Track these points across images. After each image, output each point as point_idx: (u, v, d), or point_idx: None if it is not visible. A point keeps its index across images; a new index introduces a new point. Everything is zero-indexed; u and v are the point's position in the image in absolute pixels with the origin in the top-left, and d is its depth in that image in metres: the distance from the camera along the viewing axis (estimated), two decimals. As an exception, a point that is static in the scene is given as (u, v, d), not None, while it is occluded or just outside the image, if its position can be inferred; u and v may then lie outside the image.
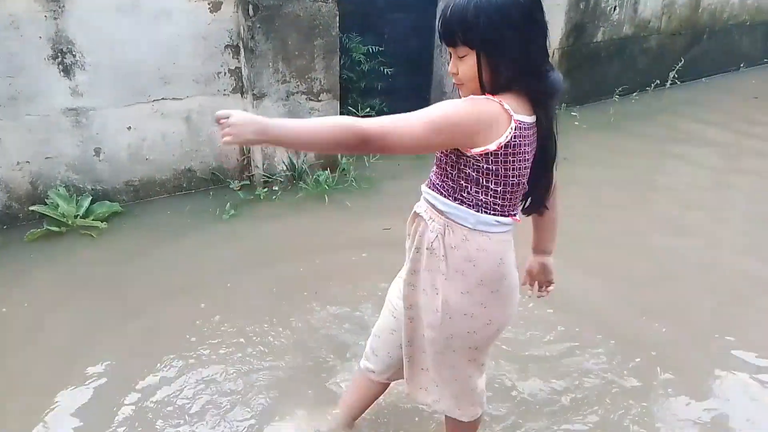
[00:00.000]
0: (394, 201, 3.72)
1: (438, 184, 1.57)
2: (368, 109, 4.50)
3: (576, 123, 5.42)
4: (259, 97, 3.83)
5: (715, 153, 4.95)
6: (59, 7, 3.27)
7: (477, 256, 1.55)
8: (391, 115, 1.42)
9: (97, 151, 3.66)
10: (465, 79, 1.48)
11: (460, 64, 1.48)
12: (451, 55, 1.50)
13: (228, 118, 1.37)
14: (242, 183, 4.03)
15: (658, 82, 6.33)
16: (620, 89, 6.03)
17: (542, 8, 1.46)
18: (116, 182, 3.78)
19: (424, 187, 1.64)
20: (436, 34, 4.96)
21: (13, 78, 3.30)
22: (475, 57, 1.44)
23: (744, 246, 3.56)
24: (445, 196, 1.55)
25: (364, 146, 1.39)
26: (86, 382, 2.40)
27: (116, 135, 3.68)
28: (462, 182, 1.51)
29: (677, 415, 2.32)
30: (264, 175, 4.02)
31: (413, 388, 1.84)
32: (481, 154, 1.45)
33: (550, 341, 2.68)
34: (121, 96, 3.60)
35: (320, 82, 4.01)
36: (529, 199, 1.65)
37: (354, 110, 4.46)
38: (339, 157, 4.27)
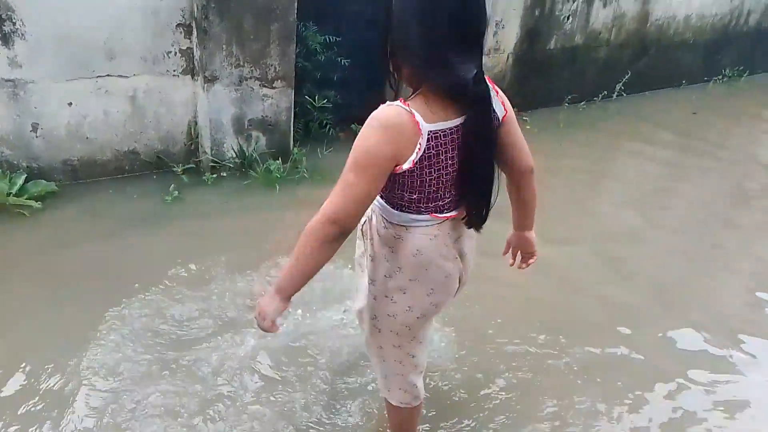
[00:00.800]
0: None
1: None
2: (324, 100, 4.43)
3: (527, 127, 5.50)
4: (210, 80, 3.70)
5: (655, 162, 5.10)
6: (-1, -30, 3.08)
7: (395, 243, 1.59)
8: (334, 190, 1.42)
9: (35, 127, 3.46)
10: None
11: None
12: None
13: (257, 316, 1.50)
14: (186, 167, 3.89)
15: (605, 92, 6.49)
16: (570, 97, 6.15)
17: None
18: (53, 161, 3.58)
19: None
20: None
21: (-56, 42, 3.09)
22: (384, 36, 1.43)
23: (677, 250, 3.67)
24: None
25: (342, 230, 1.42)
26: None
27: (56, 110, 3.48)
28: (386, 188, 1.51)
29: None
30: (212, 161, 3.89)
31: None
32: (399, 173, 1.44)
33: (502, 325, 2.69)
34: (63, 69, 3.41)
35: (275, 68, 3.91)
36: (466, 208, 1.59)
37: (310, 99, 4.38)
38: (290, 146, 4.19)
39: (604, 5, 6.13)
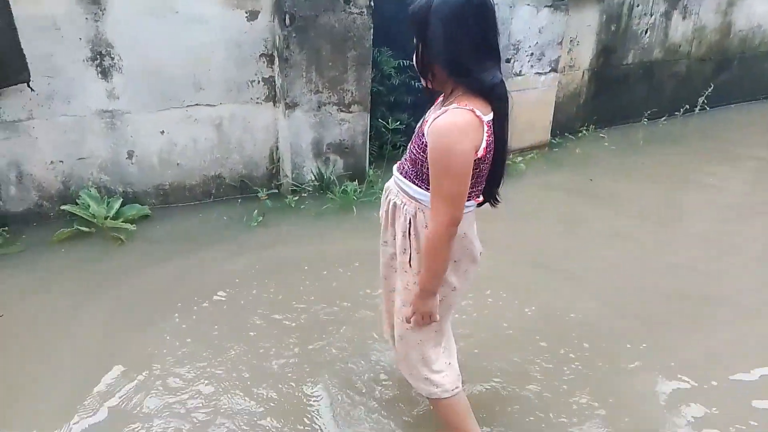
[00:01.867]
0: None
1: (412, 174, 1.71)
2: (397, 123, 4.49)
3: (605, 144, 5.39)
4: (291, 106, 3.84)
5: (740, 182, 4.84)
6: (100, 10, 3.32)
7: None
8: (434, 203, 1.60)
9: (130, 154, 3.69)
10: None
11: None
12: None
13: (412, 317, 1.78)
14: (269, 191, 4.03)
15: (687, 107, 6.28)
16: (649, 112, 5.99)
17: (479, 12, 1.52)
18: (147, 186, 3.80)
19: (396, 173, 1.80)
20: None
21: (51, 78, 3.34)
22: (420, 47, 1.60)
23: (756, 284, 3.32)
24: (417, 185, 1.70)
25: (454, 231, 1.62)
26: (102, 387, 2.38)
27: (149, 139, 3.70)
28: (423, 169, 1.66)
29: None
30: (292, 184, 4.02)
31: (400, 365, 2.02)
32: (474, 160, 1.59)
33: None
34: (156, 100, 3.63)
35: (352, 93, 4.02)
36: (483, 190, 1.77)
37: (384, 122, 4.46)
38: (366, 168, 4.27)
39: (684, 18, 5.96)
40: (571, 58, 5.28)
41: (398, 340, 1.94)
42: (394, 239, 1.84)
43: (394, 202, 1.78)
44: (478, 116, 1.53)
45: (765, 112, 6.76)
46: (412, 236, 1.75)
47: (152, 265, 3.22)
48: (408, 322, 1.81)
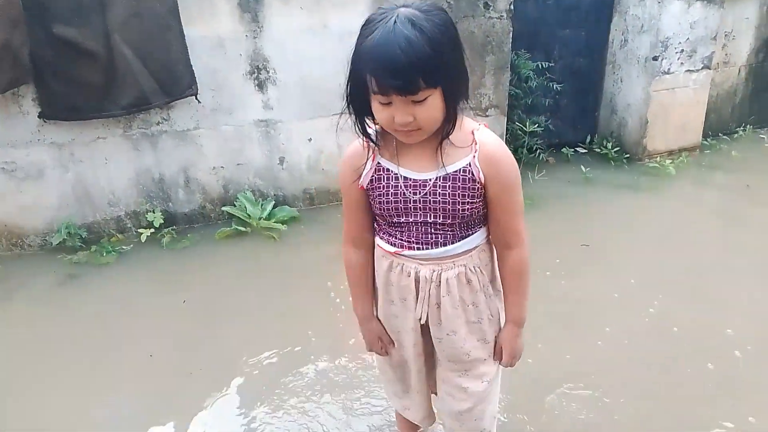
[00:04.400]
0: (577, 215, 3.71)
1: (460, 233, 1.47)
2: (535, 126, 4.44)
3: (766, 145, 4.96)
4: (429, 111, 3.92)
5: None
6: (258, 28, 3.61)
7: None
8: (516, 225, 1.47)
9: (281, 160, 3.97)
10: (427, 122, 1.28)
11: (418, 110, 1.25)
12: (388, 104, 1.25)
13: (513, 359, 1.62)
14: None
15: None
16: (818, 110, 5.43)
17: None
18: (295, 190, 4.07)
19: (435, 250, 1.48)
20: (609, 51, 4.78)
21: (216, 91, 3.68)
22: (441, 94, 1.25)
23: None
24: (471, 234, 1.48)
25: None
26: (254, 372, 2.56)
27: (298, 146, 3.96)
28: (477, 216, 1.45)
29: None
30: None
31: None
32: None
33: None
34: (305, 110, 3.88)
35: (489, 97, 4.04)
36: None
37: (521, 125, 4.43)
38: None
39: None
40: (726, 54, 4.92)
41: (480, 402, 1.65)
42: (465, 318, 1.56)
43: (457, 273, 1.50)
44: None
45: None
46: (487, 283, 1.56)
47: (305, 259, 3.48)
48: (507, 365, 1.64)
